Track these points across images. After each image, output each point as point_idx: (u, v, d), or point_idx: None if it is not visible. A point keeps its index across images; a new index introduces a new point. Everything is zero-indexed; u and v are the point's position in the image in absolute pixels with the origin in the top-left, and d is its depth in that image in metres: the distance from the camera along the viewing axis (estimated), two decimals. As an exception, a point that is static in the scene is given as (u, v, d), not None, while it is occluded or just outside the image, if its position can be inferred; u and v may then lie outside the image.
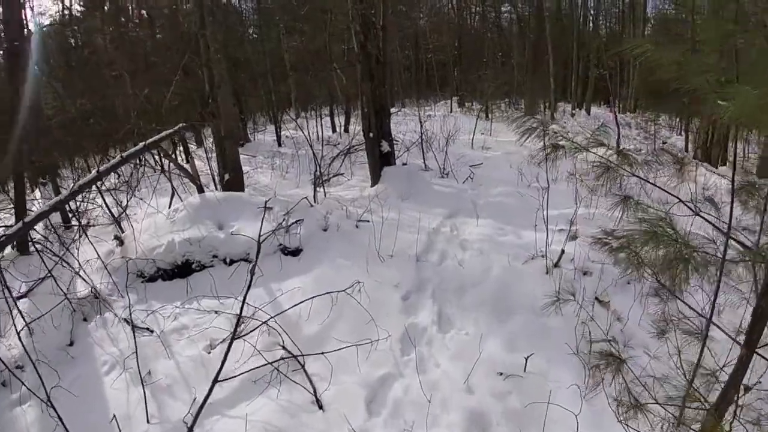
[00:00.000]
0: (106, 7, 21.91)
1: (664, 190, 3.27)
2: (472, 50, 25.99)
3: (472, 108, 22.19)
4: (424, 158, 10.40)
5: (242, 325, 4.97)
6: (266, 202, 6.79)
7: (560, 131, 3.46)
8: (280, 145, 15.35)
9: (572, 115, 20.33)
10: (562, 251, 5.82)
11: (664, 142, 13.69)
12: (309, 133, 10.53)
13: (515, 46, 25.02)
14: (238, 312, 4.82)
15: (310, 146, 9.16)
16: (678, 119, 17.68)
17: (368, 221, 7.05)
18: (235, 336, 4.53)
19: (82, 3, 22.37)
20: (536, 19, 21.21)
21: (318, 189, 8.85)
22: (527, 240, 6.46)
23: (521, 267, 5.86)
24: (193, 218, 6.79)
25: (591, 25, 25.66)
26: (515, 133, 3.70)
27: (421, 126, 10.76)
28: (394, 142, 9.48)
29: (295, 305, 4.96)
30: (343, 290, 4.89)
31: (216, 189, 9.04)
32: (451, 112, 20.78)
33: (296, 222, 6.64)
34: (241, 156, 14.16)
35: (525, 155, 12.67)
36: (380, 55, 8.58)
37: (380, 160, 8.71)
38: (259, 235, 5.29)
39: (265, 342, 4.84)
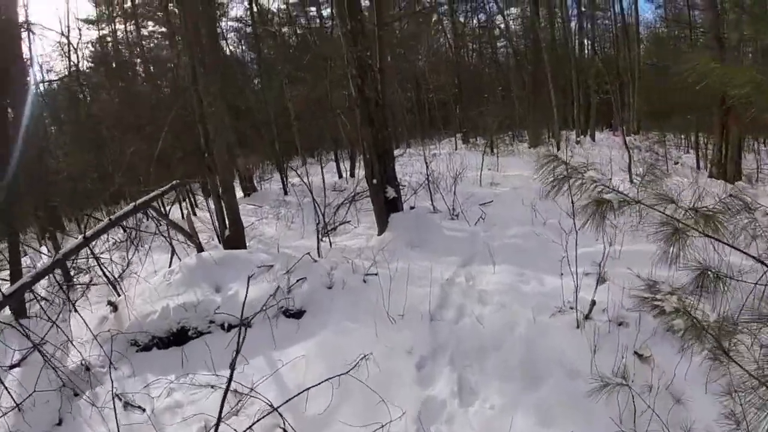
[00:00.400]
0: (113, 64, 21.94)
1: (757, 260, 2.55)
2: (471, 87, 25.66)
3: (477, 143, 21.69)
4: (432, 200, 9.79)
5: (239, 403, 4.38)
6: (259, 267, 6.14)
7: (598, 179, 2.78)
8: (286, 193, 14.82)
9: (577, 142, 19.73)
10: (593, 302, 5.08)
11: (676, 162, 13.03)
12: (310, 180, 9.90)
13: (513, 80, 24.63)
14: (235, 387, 4.22)
15: (311, 195, 8.53)
16: (684, 137, 17.11)
17: (376, 274, 6.37)
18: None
19: (90, 59, 22.38)
20: (533, 50, 20.79)
21: (323, 239, 8.25)
22: (551, 287, 5.75)
23: (548, 321, 5.10)
24: (188, 281, 6.19)
25: (587, 51, 25.24)
26: (543, 185, 3.01)
27: (427, 167, 10.17)
28: (401, 186, 8.85)
29: (296, 395, 4.20)
30: (347, 372, 4.16)
31: (220, 243, 8.44)
32: (456, 149, 20.27)
33: (298, 281, 5.98)
34: (247, 206, 13.76)
35: (535, 189, 12.13)
36: (379, 99, 8.03)
37: (386, 206, 8.06)
38: (242, 311, 4.69)
39: (264, 425, 4.13)
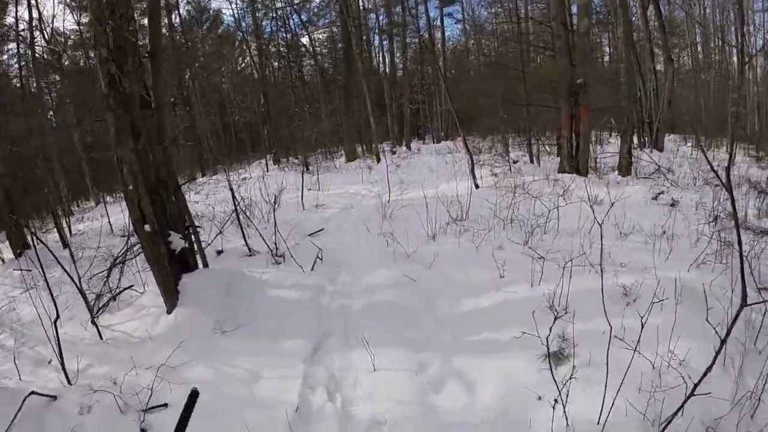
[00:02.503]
0: None
1: None
2: (279, 106, 22.43)
3: (289, 164, 18.50)
4: (245, 237, 6.52)
5: None
6: None
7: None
8: (65, 246, 10.12)
9: (393, 152, 17.56)
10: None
11: (515, 161, 11.25)
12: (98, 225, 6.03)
13: (321, 97, 22.01)
14: None
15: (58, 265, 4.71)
16: (493, 137, 16.35)
17: (165, 405, 3.06)
18: None
19: None
20: (346, 61, 18.08)
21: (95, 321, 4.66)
22: (496, 396, 2.91)
23: None
24: None
25: (398, 65, 23.34)
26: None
27: (233, 192, 6.82)
28: (198, 228, 5.51)
29: None
30: None
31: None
32: (267, 171, 17.02)
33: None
34: (14, 272, 9.10)
35: (370, 206, 9.50)
36: (149, 96, 4.65)
37: (172, 266, 4.57)
38: None
39: None
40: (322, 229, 7.54)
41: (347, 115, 17.76)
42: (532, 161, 11.84)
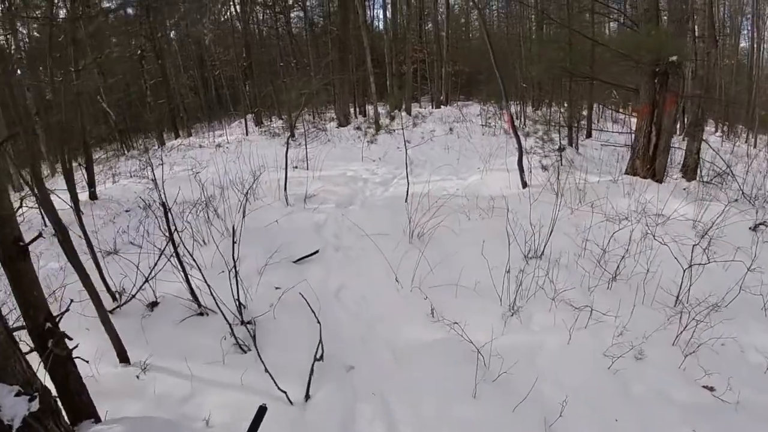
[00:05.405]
0: None
1: None
2: (264, 62, 18.71)
3: (272, 127, 15.01)
4: (189, 284, 3.48)
5: None
6: None
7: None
8: None
9: (392, 117, 14.15)
10: None
11: (561, 149, 8.17)
12: None
13: (310, 51, 18.33)
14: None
15: None
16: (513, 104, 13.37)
17: None
18: None
19: None
20: (341, 10, 14.28)
21: None
22: None
23: None
24: None
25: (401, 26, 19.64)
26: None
27: (167, 214, 3.56)
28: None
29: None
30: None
31: None
32: (246, 134, 13.69)
33: None
34: None
35: (374, 201, 6.58)
36: None
37: None
38: None
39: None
40: (315, 252, 4.65)
41: (341, 73, 14.26)
42: (571, 144, 9.08)
